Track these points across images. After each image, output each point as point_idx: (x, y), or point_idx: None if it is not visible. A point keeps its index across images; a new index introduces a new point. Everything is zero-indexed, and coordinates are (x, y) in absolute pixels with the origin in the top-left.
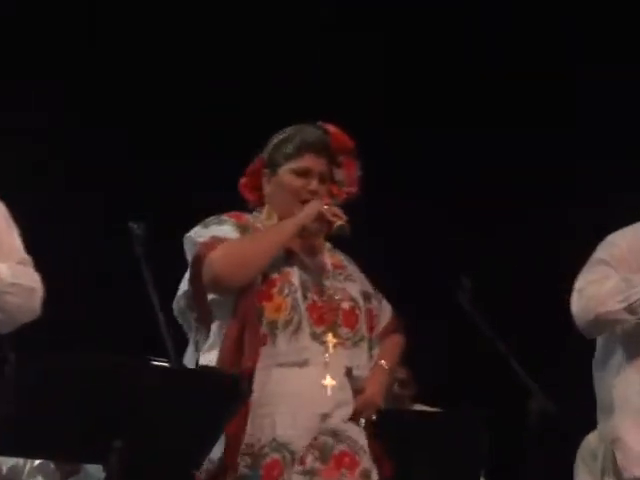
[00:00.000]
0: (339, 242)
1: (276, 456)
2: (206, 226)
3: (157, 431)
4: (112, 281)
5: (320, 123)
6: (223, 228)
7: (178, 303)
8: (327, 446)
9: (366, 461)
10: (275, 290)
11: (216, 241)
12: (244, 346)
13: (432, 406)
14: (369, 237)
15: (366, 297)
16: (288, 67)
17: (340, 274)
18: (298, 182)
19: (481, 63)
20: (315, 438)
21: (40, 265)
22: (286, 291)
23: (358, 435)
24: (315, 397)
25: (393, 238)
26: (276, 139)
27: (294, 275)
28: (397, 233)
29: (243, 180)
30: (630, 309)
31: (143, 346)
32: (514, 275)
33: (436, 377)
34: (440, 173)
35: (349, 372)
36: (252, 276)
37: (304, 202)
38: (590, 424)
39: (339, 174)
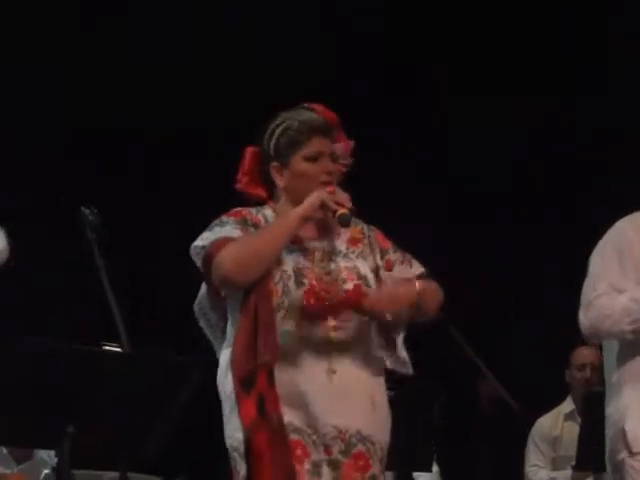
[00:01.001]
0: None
1: (296, 437)
2: (210, 230)
3: (109, 416)
4: (64, 266)
5: (306, 105)
6: (225, 229)
7: (199, 304)
8: (351, 441)
9: (376, 467)
10: (270, 279)
11: (221, 241)
12: (257, 341)
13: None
14: None
15: (376, 273)
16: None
17: (353, 252)
18: (314, 168)
19: None
20: (341, 431)
21: None
22: (277, 278)
23: (380, 438)
24: (316, 386)
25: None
26: (274, 129)
27: (287, 262)
28: None
29: (244, 179)
30: (635, 331)
31: (96, 331)
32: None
33: None
34: None
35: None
36: (260, 271)
37: (323, 185)
38: (542, 407)
39: (336, 149)
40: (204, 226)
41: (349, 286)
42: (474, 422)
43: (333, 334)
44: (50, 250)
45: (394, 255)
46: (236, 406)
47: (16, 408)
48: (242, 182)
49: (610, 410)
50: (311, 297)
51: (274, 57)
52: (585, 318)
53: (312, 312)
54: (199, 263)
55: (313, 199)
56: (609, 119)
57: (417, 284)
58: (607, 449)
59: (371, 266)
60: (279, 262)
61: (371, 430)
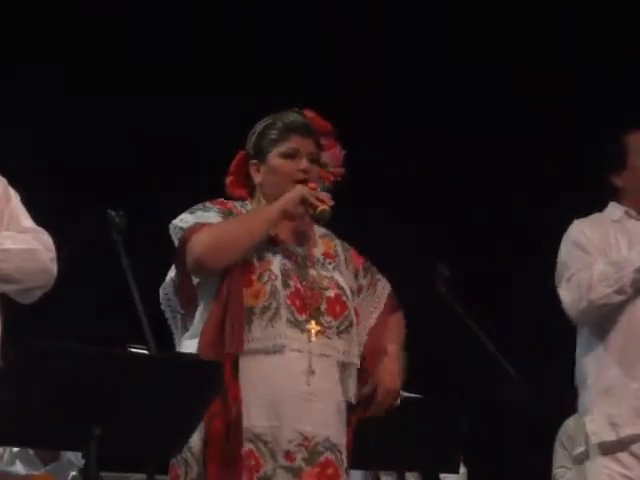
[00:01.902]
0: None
1: (250, 446)
2: (192, 212)
3: (136, 418)
4: (90, 268)
5: (296, 109)
6: (208, 214)
7: (164, 289)
8: (317, 449)
9: (344, 477)
10: (254, 277)
11: (200, 226)
12: (224, 332)
13: (411, 392)
14: None
15: (353, 291)
16: None
17: (330, 263)
18: (288, 164)
19: None
20: (307, 438)
21: None
22: (265, 278)
23: (344, 446)
24: (293, 385)
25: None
26: (257, 129)
27: (275, 263)
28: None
29: (229, 179)
30: (619, 290)
31: (122, 334)
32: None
33: (415, 364)
34: None
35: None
36: (234, 258)
37: (297, 182)
38: (570, 409)
39: (324, 157)
40: None
41: (330, 294)
42: (501, 423)
43: (315, 339)
44: (77, 252)
45: (364, 280)
46: None
47: (43, 410)
48: (227, 182)
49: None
50: (296, 299)
51: (274, 57)
52: (566, 295)
53: (297, 314)
54: (177, 244)
55: (294, 193)
56: None
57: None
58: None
59: (347, 282)
60: (267, 262)
61: (338, 438)
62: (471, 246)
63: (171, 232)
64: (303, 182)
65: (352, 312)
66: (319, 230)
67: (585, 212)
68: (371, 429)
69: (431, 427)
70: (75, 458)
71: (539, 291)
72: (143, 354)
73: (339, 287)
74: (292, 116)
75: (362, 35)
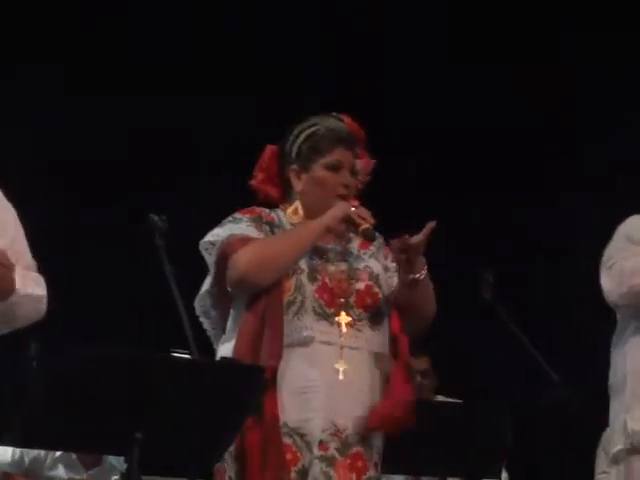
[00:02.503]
0: None
1: (287, 441)
2: (222, 226)
3: (179, 423)
4: (132, 273)
5: (335, 114)
6: (240, 226)
7: (201, 302)
8: (348, 441)
9: (372, 471)
10: (283, 281)
11: (238, 240)
12: (262, 342)
13: (453, 397)
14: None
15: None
16: None
17: (365, 252)
18: (333, 178)
19: None
20: (340, 430)
21: (60, 256)
22: (291, 273)
23: (377, 442)
24: (324, 377)
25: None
26: (300, 133)
27: (302, 259)
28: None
29: (259, 176)
30: None
31: (165, 338)
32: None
33: (457, 368)
34: None
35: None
36: (277, 275)
37: (340, 197)
38: None
39: (357, 165)
40: None
41: (360, 286)
42: (543, 428)
43: (345, 330)
44: (120, 257)
45: (392, 264)
46: None
47: (86, 415)
48: (257, 179)
49: (613, 403)
50: (324, 292)
51: (274, 57)
52: (607, 281)
53: (325, 307)
54: (208, 259)
55: (338, 211)
56: None
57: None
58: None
59: (383, 266)
60: None
61: (370, 433)
62: (470, 247)
63: (202, 248)
64: (344, 197)
65: (384, 303)
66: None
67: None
68: (414, 434)
69: (474, 432)
70: (117, 462)
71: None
72: (186, 359)
73: (372, 277)
74: (336, 125)
75: (362, 35)
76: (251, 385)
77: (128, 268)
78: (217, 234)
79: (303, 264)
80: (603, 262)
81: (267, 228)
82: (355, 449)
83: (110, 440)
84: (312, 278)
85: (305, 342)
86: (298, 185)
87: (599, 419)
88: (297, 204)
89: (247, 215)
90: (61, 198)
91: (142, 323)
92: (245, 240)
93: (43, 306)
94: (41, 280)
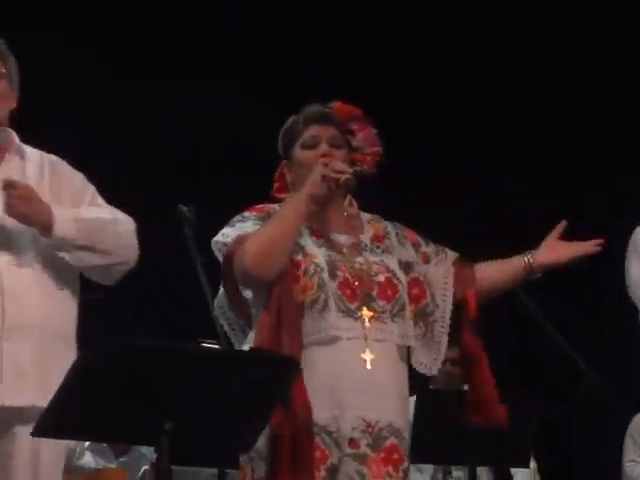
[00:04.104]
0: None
1: (316, 439)
2: (232, 226)
3: (208, 413)
4: (161, 263)
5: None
6: (246, 225)
7: (219, 303)
8: (381, 435)
9: (406, 462)
10: (300, 272)
11: (241, 239)
12: (281, 334)
13: None
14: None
15: (407, 266)
16: None
17: (378, 247)
18: (312, 154)
19: None
20: (370, 424)
21: None
22: (311, 271)
23: (406, 432)
24: (351, 373)
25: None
26: (282, 130)
27: (319, 255)
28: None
29: (275, 186)
30: None
31: (193, 328)
32: None
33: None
34: None
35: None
36: (281, 261)
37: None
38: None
39: (356, 141)
40: None
41: (381, 278)
42: (571, 418)
43: (369, 324)
44: (148, 247)
45: (428, 248)
46: None
47: (115, 405)
48: (274, 189)
49: None
50: (346, 288)
51: (274, 57)
52: (634, 266)
53: (348, 303)
54: (221, 260)
55: (313, 175)
56: None
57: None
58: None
59: (399, 260)
60: (311, 256)
61: (401, 424)
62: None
63: (214, 249)
64: (325, 165)
65: (404, 294)
66: (366, 215)
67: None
68: (443, 424)
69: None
70: (147, 451)
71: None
72: (215, 349)
73: (389, 270)
74: (309, 108)
75: (362, 35)
76: (282, 375)
77: (157, 259)
78: (227, 234)
79: (322, 261)
80: (629, 253)
81: None
82: (389, 442)
83: (140, 430)
84: (333, 275)
85: (331, 341)
86: (289, 177)
87: (627, 407)
88: (289, 194)
89: (254, 213)
90: None
91: (170, 313)
92: (247, 237)
93: (125, 231)
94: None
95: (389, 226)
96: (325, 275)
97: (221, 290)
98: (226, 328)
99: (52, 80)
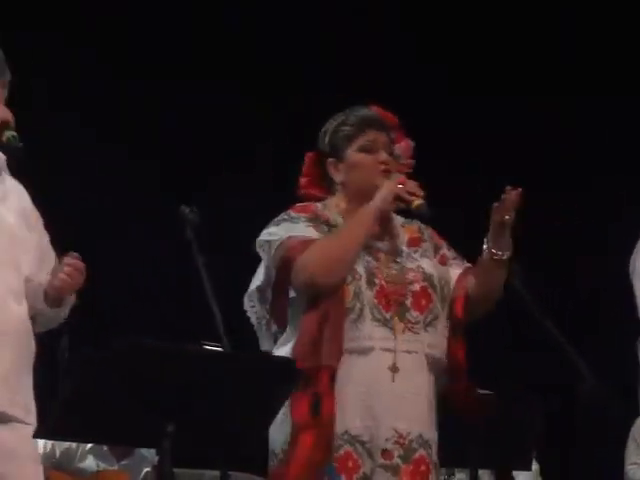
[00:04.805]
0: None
1: (349, 448)
2: (278, 225)
3: (210, 416)
4: (163, 265)
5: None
6: (298, 226)
7: (250, 298)
8: (412, 447)
9: (433, 473)
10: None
11: (300, 242)
12: (322, 342)
13: (483, 389)
14: None
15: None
16: None
17: (416, 251)
18: (369, 158)
19: None
20: (402, 436)
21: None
22: (350, 278)
23: (434, 440)
24: (381, 384)
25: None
26: (330, 127)
27: (359, 262)
28: None
29: (304, 180)
30: None
31: (196, 331)
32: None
33: (489, 361)
34: None
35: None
36: (346, 272)
37: (382, 174)
38: None
39: (396, 150)
40: None
41: (415, 287)
42: (573, 420)
43: (401, 335)
44: (150, 249)
45: (448, 252)
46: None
47: (118, 407)
48: (302, 183)
49: None
50: (382, 297)
51: (274, 57)
52: None
53: (383, 312)
54: (264, 257)
55: (386, 192)
56: None
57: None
58: (631, 444)
59: (437, 262)
60: None
61: (430, 434)
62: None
63: (258, 246)
64: (386, 174)
65: (438, 304)
66: (399, 219)
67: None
68: (445, 426)
69: (504, 424)
70: (149, 454)
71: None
72: (217, 351)
73: (425, 277)
74: (363, 110)
75: (362, 35)
76: (282, 378)
77: (159, 260)
78: (274, 233)
79: (360, 269)
80: (636, 266)
81: (325, 228)
82: (418, 454)
83: (142, 432)
84: (370, 283)
85: (364, 351)
86: (338, 176)
87: (629, 410)
88: (338, 196)
89: (303, 214)
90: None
91: (173, 315)
92: (307, 242)
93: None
94: None
95: (421, 227)
96: (363, 283)
97: (254, 284)
98: (253, 321)
99: (52, 80)
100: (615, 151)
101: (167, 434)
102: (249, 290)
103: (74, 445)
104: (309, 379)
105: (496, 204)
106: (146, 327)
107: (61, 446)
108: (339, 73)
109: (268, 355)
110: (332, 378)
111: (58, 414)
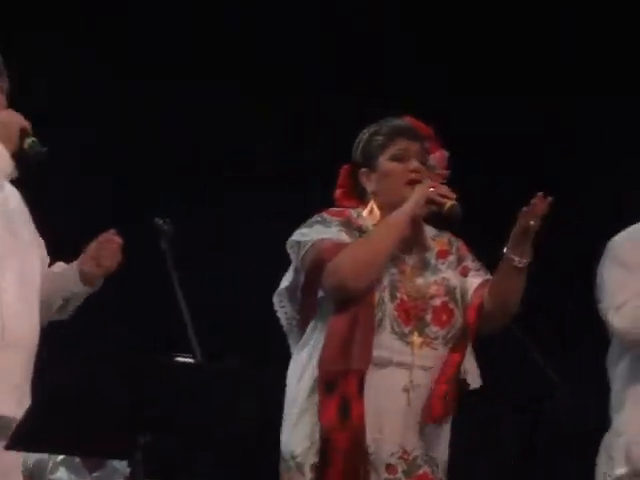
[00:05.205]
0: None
1: None
2: (310, 226)
3: (183, 427)
4: (137, 277)
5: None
6: (331, 230)
7: (279, 297)
8: (416, 463)
9: None
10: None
11: (333, 245)
12: (352, 345)
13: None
14: None
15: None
16: None
17: (443, 263)
18: (400, 167)
19: None
20: (406, 452)
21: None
22: (376, 286)
23: (443, 458)
24: (394, 401)
25: None
26: (363, 137)
27: (384, 274)
28: None
29: (338, 192)
30: None
31: (168, 342)
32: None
33: None
34: None
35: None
36: (376, 277)
37: (411, 183)
38: None
39: (431, 160)
40: None
41: (436, 302)
42: (544, 429)
43: (418, 351)
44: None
45: (472, 264)
46: (306, 412)
47: (90, 419)
48: (337, 195)
49: (614, 421)
50: (402, 311)
51: (274, 57)
52: (619, 322)
53: (403, 326)
54: (294, 257)
55: (418, 196)
56: None
57: None
58: (602, 458)
59: (461, 274)
60: None
61: (437, 452)
62: None
63: (289, 247)
64: (416, 182)
65: (459, 320)
66: (431, 232)
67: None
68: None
69: (476, 432)
70: (120, 465)
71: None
72: (189, 363)
73: (448, 291)
74: (395, 120)
75: (362, 35)
76: (252, 389)
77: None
78: (305, 234)
79: (385, 280)
80: (604, 294)
81: (357, 234)
82: (422, 470)
83: (114, 444)
84: (392, 295)
85: (382, 363)
86: (370, 186)
87: (601, 422)
88: (371, 204)
89: (336, 218)
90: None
91: (147, 327)
92: (339, 246)
93: None
94: None
95: (452, 239)
96: (386, 294)
97: (284, 284)
98: (283, 322)
99: (52, 80)
100: (615, 151)
101: (139, 446)
102: (278, 289)
103: (46, 456)
104: (337, 383)
105: (525, 208)
106: (119, 339)
107: (33, 457)
108: (339, 73)
109: (237, 367)
110: (361, 382)
111: (29, 426)
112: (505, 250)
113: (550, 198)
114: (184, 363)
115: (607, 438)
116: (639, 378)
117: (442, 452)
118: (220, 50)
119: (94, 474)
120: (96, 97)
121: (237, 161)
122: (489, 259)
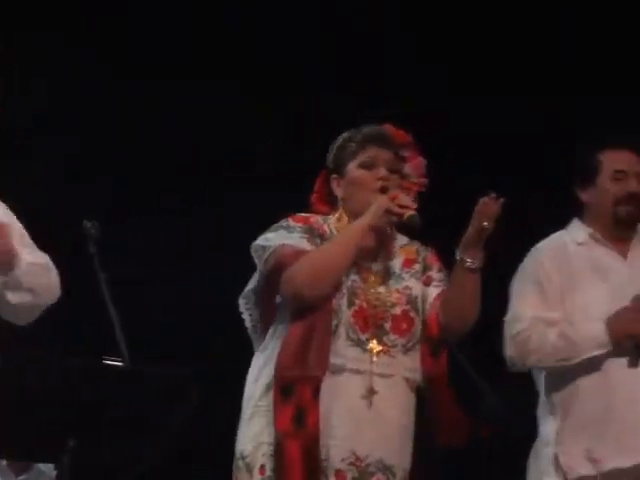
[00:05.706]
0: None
1: None
2: (275, 231)
3: (110, 430)
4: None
5: (374, 123)
6: (293, 236)
7: (245, 299)
8: (368, 470)
9: None
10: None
11: (292, 252)
12: (309, 351)
13: None
14: None
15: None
16: None
17: (407, 272)
18: (368, 175)
19: None
20: (359, 458)
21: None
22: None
23: (403, 466)
24: (350, 407)
25: None
26: (336, 144)
27: (345, 280)
28: None
29: (313, 197)
30: (561, 366)
31: (97, 346)
32: None
33: None
34: None
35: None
36: (333, 286)
37: (380, 191)
38: None
39: (406, 168)
40: None
41: (397, 311)
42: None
43: (377, 358)
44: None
45: (436, 274)
46: (257, 413)
47: (17, 422)
48: (312, 199)
49: (542, 430)
50: (359, 318)
51: (274, 57)
52: (511, 351)
53: (359, 333)
54: (259, 263)
55: (376, 207)
56: None
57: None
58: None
59: (423, 284)
60: None
61: (395, 460)
62: None
63: (254, 251)
64: (383, 190)
65: (419, 328)
66: (401, 240)
67: None
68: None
69: None
70: (46, 468)
71: None
72: (117, 366)
73: (409, 300)
74: (368, 127)
75: (362, 35)
76: (180, 393)
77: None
78: (269, 239)
79: (344, 287)
80: (511, 309)
81: (318, 242)
82: (374, 478)
83: (42, 447)
84: (350, 302)
85: (335, 370)
86: (339, 192)
87: (528, 429)
88: (340, 211)
89: (300, 224)
90: None
91: (75, 330)
92: (299, 253)
93: (56, 277)
94: (46, 257)
95: (420, 248)
96: (344, 302)
97: (249, 286)
98: (247, 324)
99: (52, 80)
100: None
101: (67, 449)
102: (244, 292)
103: None
104: (293, 388)
105: (477, 207)
106: (49, 342)
107: None
108: (339, 73)
109: (164, 370)
110: (317, 389)
111: None
112: (457, 253)
113: (502, 199)
114: (112, 366)
115: (535, 447)
116: (558, 389)
117: (402, 460)
118: (220, 50)
119: (20, 477)
120: (96, 97)
121: (237, 161)
122: (489, 259)
